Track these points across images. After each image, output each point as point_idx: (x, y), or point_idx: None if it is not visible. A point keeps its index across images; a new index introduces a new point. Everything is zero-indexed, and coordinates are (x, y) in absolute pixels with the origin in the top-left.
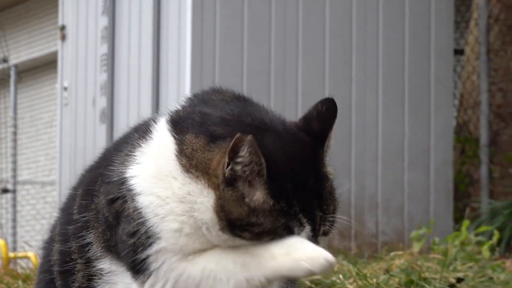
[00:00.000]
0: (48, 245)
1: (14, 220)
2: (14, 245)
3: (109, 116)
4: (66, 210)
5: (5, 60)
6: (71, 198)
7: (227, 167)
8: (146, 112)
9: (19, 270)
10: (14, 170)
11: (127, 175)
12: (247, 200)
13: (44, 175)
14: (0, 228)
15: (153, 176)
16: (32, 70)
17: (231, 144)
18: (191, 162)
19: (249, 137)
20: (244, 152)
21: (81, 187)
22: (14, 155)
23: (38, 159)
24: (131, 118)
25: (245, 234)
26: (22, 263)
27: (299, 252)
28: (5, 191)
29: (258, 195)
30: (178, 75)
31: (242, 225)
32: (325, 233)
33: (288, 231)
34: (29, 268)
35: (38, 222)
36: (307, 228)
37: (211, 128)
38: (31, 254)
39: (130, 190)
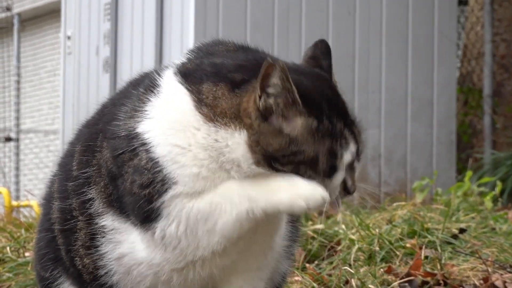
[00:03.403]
0: (47, 203)
1: (17, 168)
2: (17, 193)
3: (112, 65)
4: (64, 166)
5: (8, 9)
6: (69, 154)
7: (260, 99)
8: (149, 61)
9: (22, 219)
10: (17, 118)
11: (138, 130)
12: (286, 131)
13: (47, 124)
14: (3, 176)
15: (170, 128)
16: (36, 19)
17: (263, 72)
18: (215, 111)
19: (280, 62)
20: (275, 79)
21: (79, 143)
22: (17, 103)
23: (41, 108)
24: (134, 67)
25: (287, 167)
26: (25, 211)
27: (296, 188)
28: (8, 139)
29: (298, 122)
30: (181, 23)
31: (284, 156)
32: (360, 154)
33: (332, 156)
34: (31, 217)
35: (41, 171)
36: (352, 146)
37: (229, 75)
38: (34, 203)
39: (144, 144)
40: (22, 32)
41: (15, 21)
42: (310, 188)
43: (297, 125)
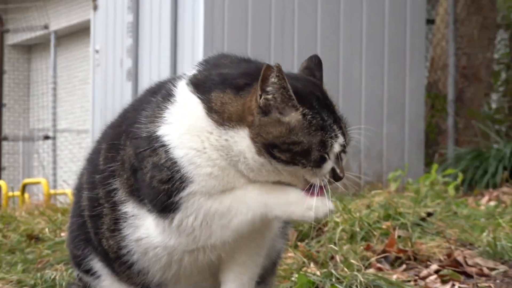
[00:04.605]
0: (77, 192)
1: (54, 162)
2: (55, 183)
3: (134, 74)
4: (92, 162)
5: (46, 27)
6: (96, 151)
7: (260, 98)
8: (165, 71)
9: (58, 205)
10: (54, 120)
11: (158, 133)
12: (285, 120)
13: (79, 124)
14: (42, 169)
15: (186, 133)
16: (69, 36)
17: (262, 74)
18: (223, 116)
19: (277, 64)
20: (273, 78)
21: (105, 141)
22: (54, 107)
23: (74, 111)
24: (152, 76)
25: (285, 154)
26: (61, 198)
27: (309, 201)
28: (47, 138)
29: (293, 115)
30: (192, 39)
31: (283, 143)
32: (347, 145)
33: (323, 147)
34: (66, 203)
35: (74, 164)
36: (341, 138)
37: (234, 82)
38: (68, 191)
39: (164, 145)
40: (58, 46)
41: (52, 37)
42: (319, 202)
43: (292, 117)
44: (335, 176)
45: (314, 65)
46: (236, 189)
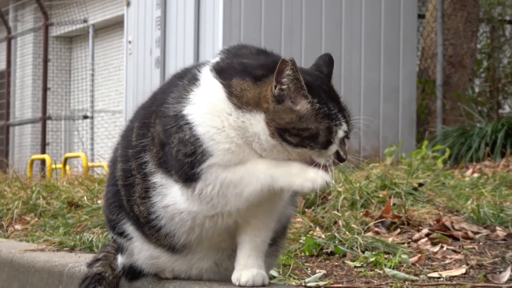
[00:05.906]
0: (112, 164)
1: (92, 139)
2: (92, 157)
3: (161, 62)
4: (125, 138)
5: (85, 21)
6: (129, 129)
7: (275, 88)
8: (189, 59)
9: (95, 176)
10: (92, 102)
11: (184, 112)
12: (296, 109)
13: (114, 106)
14: (82, 144)
15: (208, 113)
16: (105, 28)
17: (278, 67)
18: (242, 100)
19: (291, 58)
20: (288, 71)
21: (137, 120)
22: (92, 91)
23: (110, 94)
24: (178, 64)
25: (294, 138)
26: (98, 170)
27: (308, 174)
28: (86, 117)
29: (304, 104)
30: (213, 31)
31: (294, 128)
32: (350, 132)
33: (329, 132)
34: (102, 174)
35: (109, 140)
36: (344, 126)
37: (253, 72)
38: (104, 164)
39: (188, 123)
40: (95, 38)
41: (90, 30)
42: (316, 174)
43: (303, 105)
44: (339, 158)
45: (323, 62)
46: (247, 162)
